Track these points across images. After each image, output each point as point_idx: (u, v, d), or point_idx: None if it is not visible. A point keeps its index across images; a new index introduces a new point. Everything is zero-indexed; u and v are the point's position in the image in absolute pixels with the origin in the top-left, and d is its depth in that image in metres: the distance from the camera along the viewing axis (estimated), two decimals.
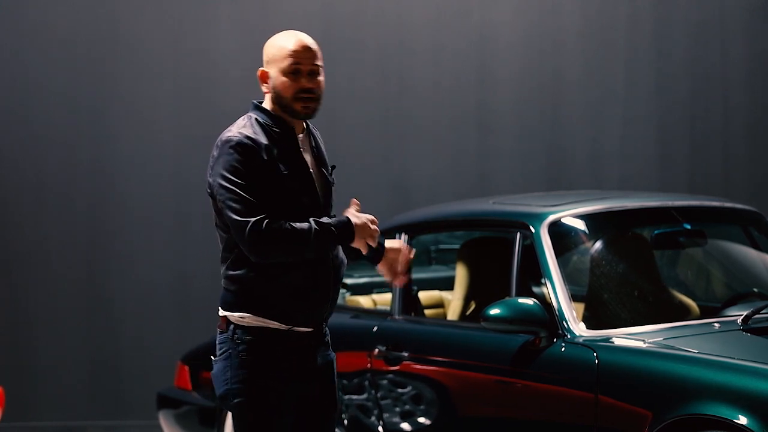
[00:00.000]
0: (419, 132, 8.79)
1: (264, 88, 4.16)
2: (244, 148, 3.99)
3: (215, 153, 4.05)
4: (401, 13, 8.75)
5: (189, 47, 8.56)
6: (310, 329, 4.12)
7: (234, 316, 4.07)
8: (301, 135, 4.17)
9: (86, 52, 8.47)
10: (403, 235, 5.84)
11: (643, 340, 4.78)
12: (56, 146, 8.45)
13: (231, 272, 4.08)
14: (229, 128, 4.10)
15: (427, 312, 6.10)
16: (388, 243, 4.32)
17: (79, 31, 8.47)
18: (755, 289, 5.61)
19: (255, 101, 4.19)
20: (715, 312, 5.34)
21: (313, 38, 4.20)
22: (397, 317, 5.71)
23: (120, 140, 8.50)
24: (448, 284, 6.25)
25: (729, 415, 4.21)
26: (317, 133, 4.30)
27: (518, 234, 5.29)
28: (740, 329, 4.86)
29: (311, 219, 4.00)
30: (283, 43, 4.11)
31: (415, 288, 6.04)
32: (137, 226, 8.49)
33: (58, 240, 8.44)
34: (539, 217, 5.29)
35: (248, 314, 4.06)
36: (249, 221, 3.92)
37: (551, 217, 5.29)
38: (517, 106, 8.84)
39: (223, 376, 4.08)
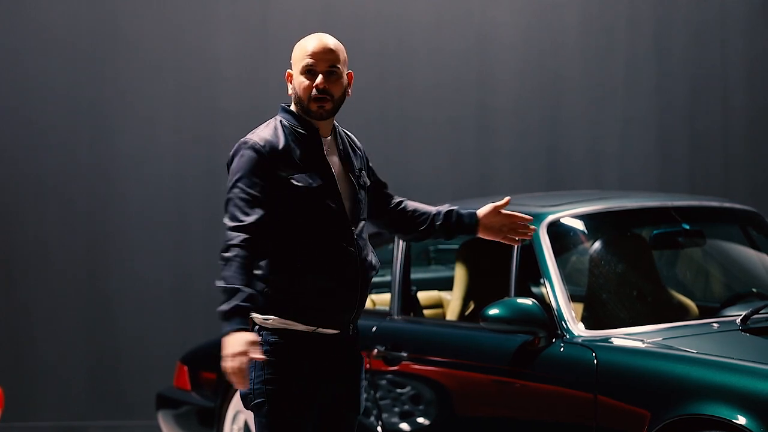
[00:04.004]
0: (419, 132, 8.78)
1: (289, 90, 4.11)
2: (254, 152, 3.96)
3: (230, 153, 4.03)
4: (401, 13, 8.75)
5: (189, 47, 8.56)
6: (335, 331, 4.09)
7: (259, 317, 4.04)
8: (328, 137, 4.12)
9: (86, 52, 8.47)
10: None
11: (642, 340, 4.77)
12: (56, 146, 8.44)
13: (256, 273, 4.01)
14: (253, 130, 4.07)
15: (426, 312, 6.10)
16: (481, 211, 4.34)
17: (79, 31, 8.46)
18: (754, 289, 5.61)
19: (283, 104, 4.15)
20: (713, 312, 5.34)
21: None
22: (396, 317, 5.70)
23: (120, 140, 8.49)
24: (447, 284, 6.24)
25: (728, 415, 4.21)
26: (352, 137, 4.26)
27: None
28: (739, 329, 4.86)
29: (242, 289, 3.83)
30: (304, 44, 4.08)
31: (414, 288, 6.03)
32: (137, 225, 8.48)
33: (58, 240, 8.43)
34: (538, 218, 5.28)
35: (273, 316, 4.02)
36: (228, 232, 3.90)
37: (550, 218, 5.29)
38: (517, 106, 8.83)
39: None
